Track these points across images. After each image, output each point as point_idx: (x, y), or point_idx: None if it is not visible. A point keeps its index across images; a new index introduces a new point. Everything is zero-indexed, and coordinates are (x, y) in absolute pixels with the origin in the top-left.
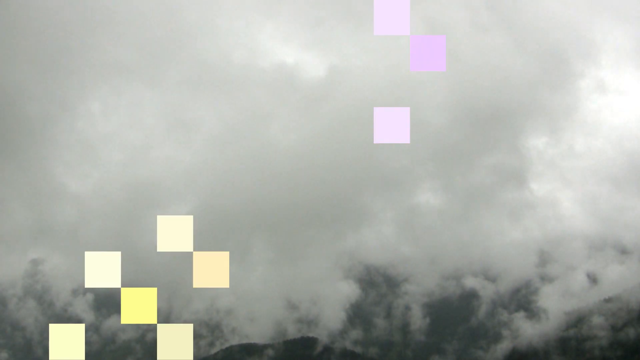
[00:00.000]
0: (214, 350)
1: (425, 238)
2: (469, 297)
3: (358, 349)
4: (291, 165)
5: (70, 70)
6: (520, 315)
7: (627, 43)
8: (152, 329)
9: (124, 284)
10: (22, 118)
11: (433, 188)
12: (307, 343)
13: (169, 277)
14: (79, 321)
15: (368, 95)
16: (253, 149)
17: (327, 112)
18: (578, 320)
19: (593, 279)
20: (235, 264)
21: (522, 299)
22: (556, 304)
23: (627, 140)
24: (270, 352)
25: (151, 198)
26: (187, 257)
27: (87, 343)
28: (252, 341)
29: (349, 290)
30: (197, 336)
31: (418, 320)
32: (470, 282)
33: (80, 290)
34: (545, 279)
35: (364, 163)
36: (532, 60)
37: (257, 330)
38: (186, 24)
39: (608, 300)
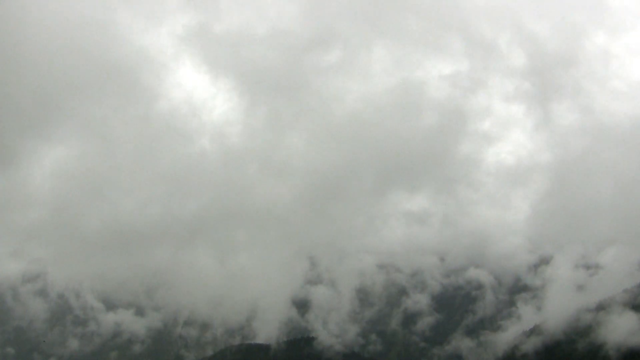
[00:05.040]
0: (214, 350)
1: (428, 235)
2: (473, 290)
3: (359, 347)
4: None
5: None
6: (523, 306)
7: None
8: (156, 321)
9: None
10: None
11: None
12: (307, 343)
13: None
14: (84, 315)
15: None
16: None
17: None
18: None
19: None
20: (236, 262)
21: (524, 289)
22: (557, 296)
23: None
24: (270, 352)
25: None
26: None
27: (94, 336)
28: (252, 341)
29: (351, 289)
30: (196, 338)
31: (421, 315)
32: (471, 275)
33: (86, 285)
34: (545, 270)
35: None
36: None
37: (258, 329)
38: None
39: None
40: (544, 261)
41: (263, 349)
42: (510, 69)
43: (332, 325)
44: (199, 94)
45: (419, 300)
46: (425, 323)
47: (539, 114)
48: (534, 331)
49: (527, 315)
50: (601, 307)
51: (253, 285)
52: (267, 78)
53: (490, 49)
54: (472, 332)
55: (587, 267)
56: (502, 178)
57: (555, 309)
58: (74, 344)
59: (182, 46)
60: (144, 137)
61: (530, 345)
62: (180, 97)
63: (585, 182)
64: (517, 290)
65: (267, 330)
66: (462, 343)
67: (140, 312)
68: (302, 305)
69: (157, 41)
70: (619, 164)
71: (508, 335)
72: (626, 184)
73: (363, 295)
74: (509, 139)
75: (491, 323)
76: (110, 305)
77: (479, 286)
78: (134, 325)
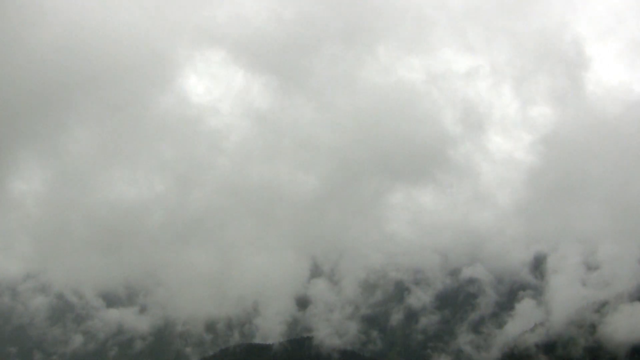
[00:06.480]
0: (215, 349)
1: (430, 233)
2: (475, 287)
3: (360, 345)
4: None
5: None
6: (526, 303)
7: None
8: (158, 319)
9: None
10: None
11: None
12: (308, 341)
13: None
14: (86, 313)
15: None
16: None
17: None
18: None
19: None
20: (238, 260)
21: (526, 286)
22: (560, 292)
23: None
24: (270, 352)
25: None
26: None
27: (95, 333)
28: (254, 338)
29: (352, 287)
30: (197, 336)
31: (424, 313)
32: (473, 272)
33: (86, 282)
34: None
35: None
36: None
37: (260, 327)
38: None
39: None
40: (546, 258)
41: (265, 348)
42: (511, 69)
43: (334, 323)
44: (201, 92)
45: (421, 298)
46: (427, 321)
47: (538, 113)
48: (537, 327)
49: (529, 312)
50: (605, 303)
51: (255, 283)
52: (272, 73)
53: (494, 49)
54: (474, 329)
55: (589, 263)
56: (502, 176)
57: (558, 305)
58: (75, 342)
59: (182, 41)
60: (145, 135)
61: (534, 341)
62: (181, 96)
63: (585, 180)
64: (519, 287)
65: (269, 328)
66: (464, 340)
67: (142, 309)
68: (304, 303)
69: (158, 35)
70: (617, 161)
71: (511, 331)
72: (624, 180)
73: (365, 293)
74: (510, 138)
75: (494, 320)
76: (111, 303)
77: (481, 283)
78: (136, 322)
